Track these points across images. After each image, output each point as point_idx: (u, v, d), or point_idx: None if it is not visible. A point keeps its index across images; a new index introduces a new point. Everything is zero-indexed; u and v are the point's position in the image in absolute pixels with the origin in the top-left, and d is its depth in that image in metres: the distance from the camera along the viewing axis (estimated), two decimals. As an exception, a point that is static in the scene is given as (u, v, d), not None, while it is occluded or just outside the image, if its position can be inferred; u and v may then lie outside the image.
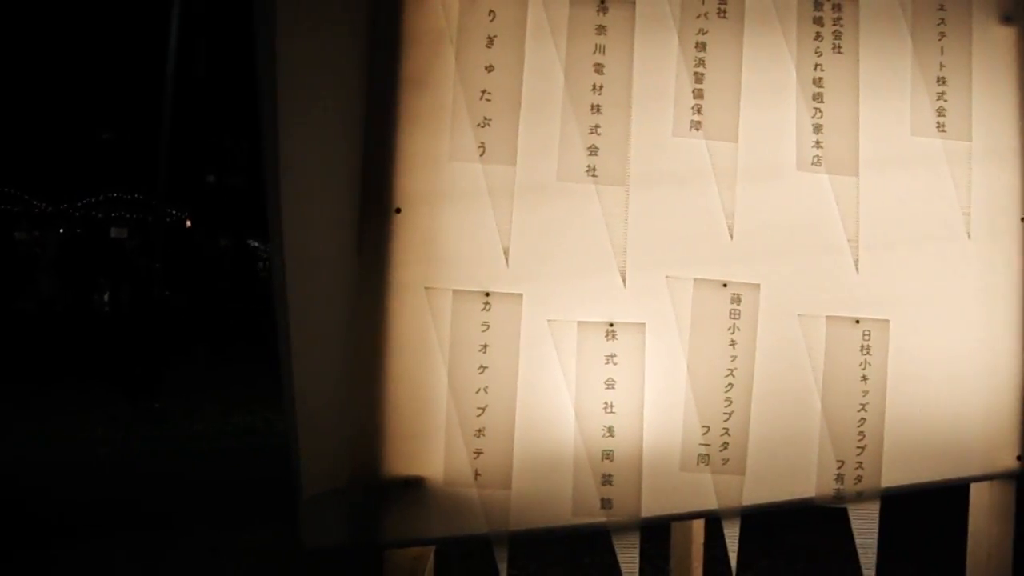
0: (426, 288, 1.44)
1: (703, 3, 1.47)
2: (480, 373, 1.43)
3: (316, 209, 1.39)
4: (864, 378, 1.47)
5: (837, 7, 1.50)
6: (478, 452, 1.42)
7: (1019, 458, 1.50)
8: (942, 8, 1.53)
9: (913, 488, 1.49)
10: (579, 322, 1.43)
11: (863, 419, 1.46)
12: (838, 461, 1.45)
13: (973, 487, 1.58)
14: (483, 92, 1.45)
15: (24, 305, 10.89)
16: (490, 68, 1.45)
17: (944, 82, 1.52)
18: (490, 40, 1.46)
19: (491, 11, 1.46)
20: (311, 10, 1.37)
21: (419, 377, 1.44)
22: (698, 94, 1.46)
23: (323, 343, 1.39)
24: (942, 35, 1.53)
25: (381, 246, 1.43)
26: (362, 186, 1.43)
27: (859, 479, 1.46)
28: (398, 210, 1.44)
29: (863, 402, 1.46)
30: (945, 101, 1.52)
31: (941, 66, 1.52)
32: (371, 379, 1.42)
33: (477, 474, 1.42)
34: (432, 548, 1.46)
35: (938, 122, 1.52)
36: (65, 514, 3.66)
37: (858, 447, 1.46)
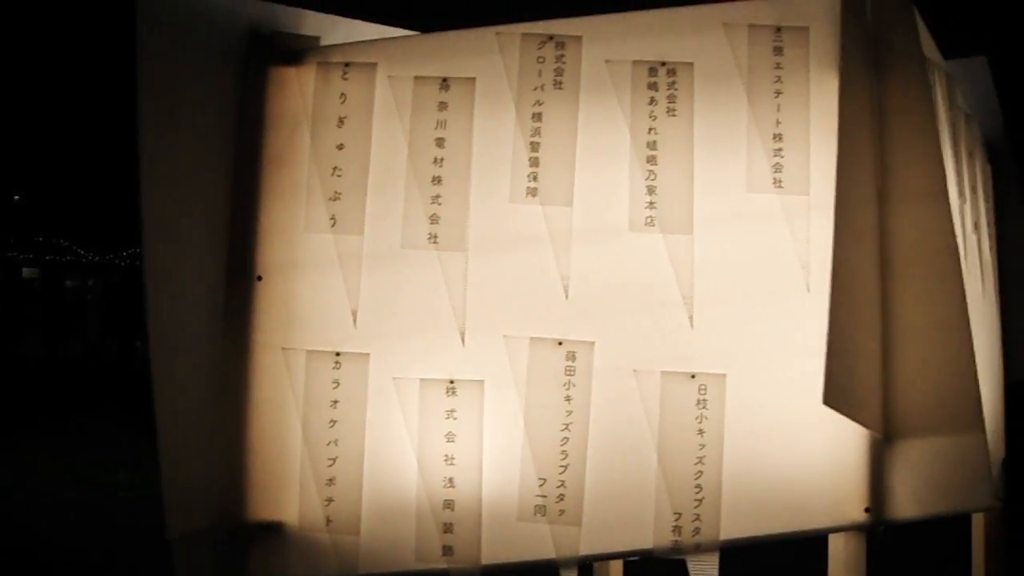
0: (283, 348, 1.56)
1: (540, 76, 1.57)
2: (331, 427, 1.54)
3: (184, 275, 1.53)
4: (700, 431, 1.50)
5: (671, 71, 1.56)
6: (329, 500, 1.53)
7: (867, 510, 1.49)
8: (779, 67, 1.58)
9: (757, 540, 1.51)
10: (421, 379, 1.53)
11: (700, 472, 1.49)
12: (675, 513, 1.49)
13: (831, 539, 1.58)
14: (334, 168, 1.58)
15: (69, 352, 11.50)
16: (340, 146, 1.59)
17: (780, 139, 1.56)
18: (341, 120, 1.59)
19: (342, 94, 1.60)
20: (178, 95, 1.51)
21: (276, 430, 1.56)
22: (534, 162, 1.55)
23: (188, 398, 1.53)
24: (778, 92, 1.56)
25: (244, 310, 1.57)
26: (228, 255, 1.58)
27: (697, 531, 1.48)
28: (259, 277, 1.58)
29: (700, 455, 1.50)
30: (782, 157, 1.55)
31: (778, 123, 1.56)
32: (233, 431, 1.56)
33: (329, 520, 1.53)
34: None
35: (775, 178, 1.55)
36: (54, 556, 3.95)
37: (695, 499, 1.49)
